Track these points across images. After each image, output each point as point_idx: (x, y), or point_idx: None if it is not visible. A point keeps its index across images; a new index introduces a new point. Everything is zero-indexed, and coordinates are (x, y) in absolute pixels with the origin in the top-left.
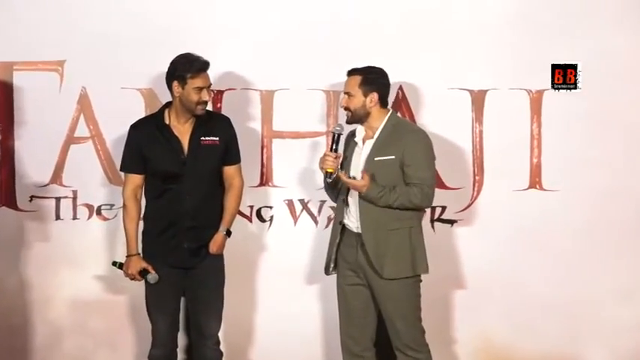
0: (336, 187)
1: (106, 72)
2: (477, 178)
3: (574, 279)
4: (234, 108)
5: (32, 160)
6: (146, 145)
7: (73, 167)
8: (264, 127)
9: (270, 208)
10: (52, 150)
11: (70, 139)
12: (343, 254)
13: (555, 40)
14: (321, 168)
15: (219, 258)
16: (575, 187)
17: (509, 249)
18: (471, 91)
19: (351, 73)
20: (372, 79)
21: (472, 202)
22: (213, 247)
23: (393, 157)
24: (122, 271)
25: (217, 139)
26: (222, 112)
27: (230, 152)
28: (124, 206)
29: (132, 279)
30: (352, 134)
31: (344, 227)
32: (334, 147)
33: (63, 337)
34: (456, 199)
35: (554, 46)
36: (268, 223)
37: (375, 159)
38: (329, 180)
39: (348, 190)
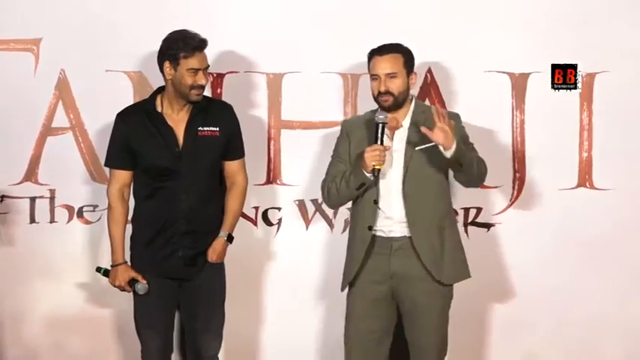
0: (363, 187)
1: (89, 52)
2: (517, 175)
3: (633, 292)
4: (237, 94)
5: (3, 154)
6: (135, 137)
7: (50, 162)
8: (272, 116)
9: (279, 209)
10: (25, 142)
11: (47, 130)
12: (369, 266)
13: (613, 15)
14: (371, 165)
15: (219, 267)
16: (631, 186)
17: (556, 257)
18: (511, 75)
19: (391, 50)
20: (412, 57)
21: (512, 203)
22: (212, 255)
23: (434, 143)
24: (107, 279)
25: (217, 129)
26: (223, 99)
27: (232, 145)
28: (110, 207)
29: (121, 290)
30: (371, 123)
31: (373, 235)
32: (380, 138)
33: None
34: (494, 199)
35: (612, 23)
36: (276, 227)
37: (417, 148)
38: (372, 179)
39: (378, 189)
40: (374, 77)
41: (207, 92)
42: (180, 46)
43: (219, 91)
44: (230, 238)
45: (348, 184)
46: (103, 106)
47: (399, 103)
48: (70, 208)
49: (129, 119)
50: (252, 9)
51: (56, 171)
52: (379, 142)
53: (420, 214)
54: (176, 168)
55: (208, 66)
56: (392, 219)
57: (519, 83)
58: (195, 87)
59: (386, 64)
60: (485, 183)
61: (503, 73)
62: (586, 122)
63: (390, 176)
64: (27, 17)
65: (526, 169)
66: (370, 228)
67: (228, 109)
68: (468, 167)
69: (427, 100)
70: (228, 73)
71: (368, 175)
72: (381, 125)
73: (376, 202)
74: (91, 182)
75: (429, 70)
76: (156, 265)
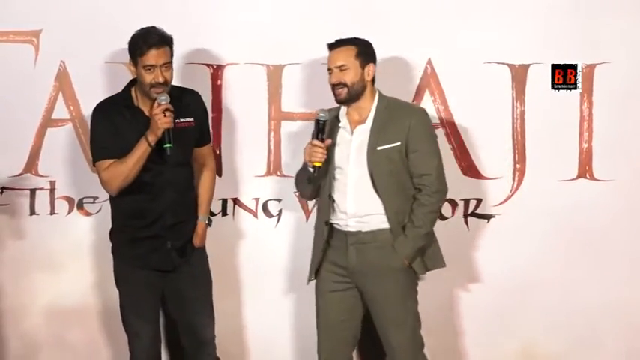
0: (318, 181)
1: (89, 44)
2: (517, 166)
3: (634, 284)
4: (237, 85)
5: (3, 145)
6: (119, 130)
7: (50, 154)
8: (272, 107)
9: (279, 201)
10: (26, 134)
11: (47, 122)
12: (330, 258)
13: (613, 6)
14: (309, 162)
15: (202, 251)
16: (631, 177)
17: (555, 248)
18: (511, 66)
19: (342, 44)
20: (369, 48)
21: (512, 194)
22: (197, 241)
23: (398, 143)
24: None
25: (192, 119)
26: (223, 91)
27: (203, 132)
28: (110, 184)
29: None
30: (336, 118)
31: (332, 227)
32: (321, 136)
33: (38, 352)
34: (494, 190)
35: (613, 14)
36: (276, 218)
37: (378, 149)
38: (315, 175)
39: (332, 184)
40: (329, 71)
41: (208, 84)
42: (138, 44)
43: (219, 82)
44: (209, 222)
45: (301, 177)
46: (103, 98)
47: (353, 95)
48: (70, 200)
49: (111, 112)
50: (251, 0)
51: (56, 163)
52: (320, 139)
53: (393, 207)
54: (159, 161)
55: (170, 61)
56: (346, 214)
57: (519, 74)
58: (154, 85)
59: (337, 57)
60: (486, 175)
61: (504, 64)
62: (586, 113)
63: (347, 172)
64: (27, 9)
65: (526, 161)
66: (327, 223)
67: (198, 96)
68: (429, 236)
69: (427, 91)
70: (228, 64)
71: (310, 169)
72: (321, 123)
73: (331, 197)
74: (91, 174)
75: (429, 62)
76: (144, 258)
